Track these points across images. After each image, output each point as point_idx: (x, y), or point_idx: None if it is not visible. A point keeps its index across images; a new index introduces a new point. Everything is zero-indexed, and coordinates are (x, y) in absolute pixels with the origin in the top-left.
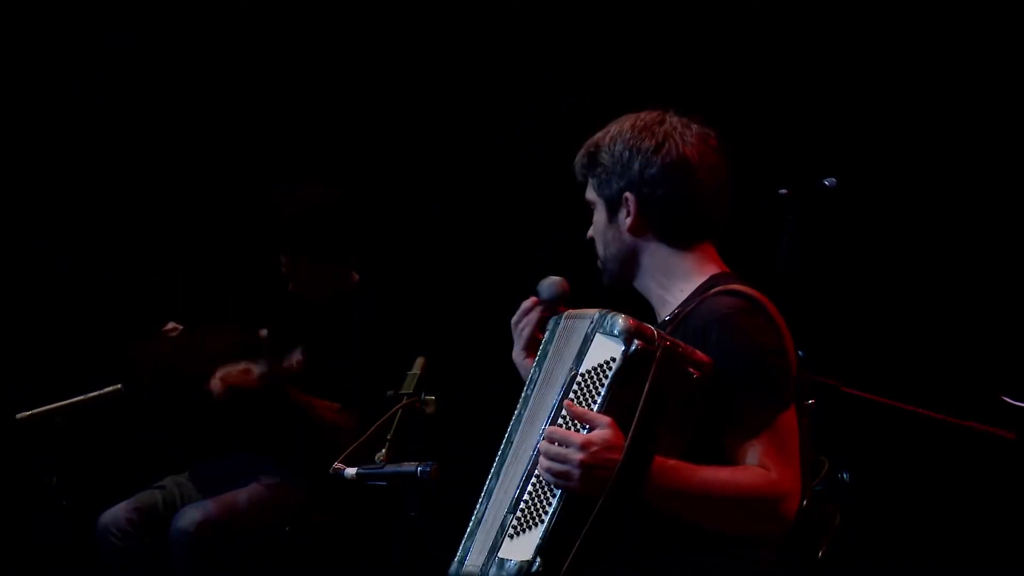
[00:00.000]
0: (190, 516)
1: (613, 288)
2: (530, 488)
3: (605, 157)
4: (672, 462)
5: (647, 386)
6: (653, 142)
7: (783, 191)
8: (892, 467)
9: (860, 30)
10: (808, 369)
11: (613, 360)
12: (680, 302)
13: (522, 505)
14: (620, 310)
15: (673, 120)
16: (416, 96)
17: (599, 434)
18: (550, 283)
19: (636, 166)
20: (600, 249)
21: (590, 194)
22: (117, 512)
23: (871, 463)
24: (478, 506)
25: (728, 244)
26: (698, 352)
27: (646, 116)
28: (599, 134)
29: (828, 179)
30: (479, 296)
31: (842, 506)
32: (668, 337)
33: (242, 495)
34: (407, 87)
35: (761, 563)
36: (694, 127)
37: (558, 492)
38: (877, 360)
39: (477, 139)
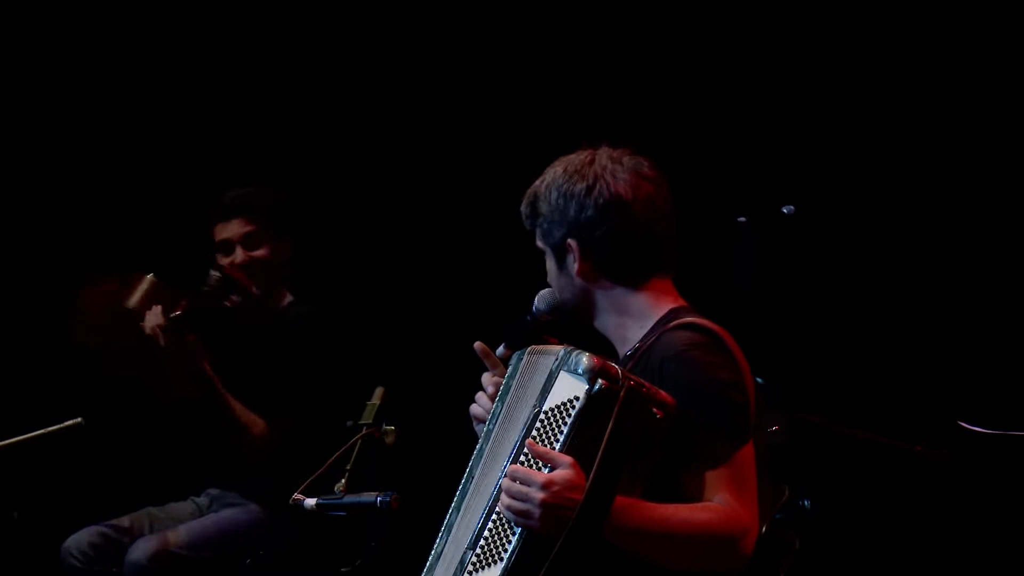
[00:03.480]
0: (143, 547)
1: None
2: (491, 525)
3: (543, 206)
4: (632, 501)
5: (610, 426)
6: (584, 184)
7: (741, 219)
8: (851, 493)
9: (816, 56)
10: (767, 397)
11: (576, 399)
12: (639, 338)
13: (482, 542)
14: (585, 348)
15: (603, 159)
16: (385, 110)
17: (560, 474)
18: (549, 294)
19: (572, 212)
20: (556, 294)
21: (539, 242)
22: (81, 536)
23: (830, 489)
24: (438, 540)
25: (686, 272)
26: (661, 392)
27: (576, 158)
28: (536, 182)
29: (786, 207)
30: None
31: (802, 533)
32: (632, 376)
33: (198, 525)
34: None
35: None
36: (625, 160)
37: (518, 530)
38: (834, 385)
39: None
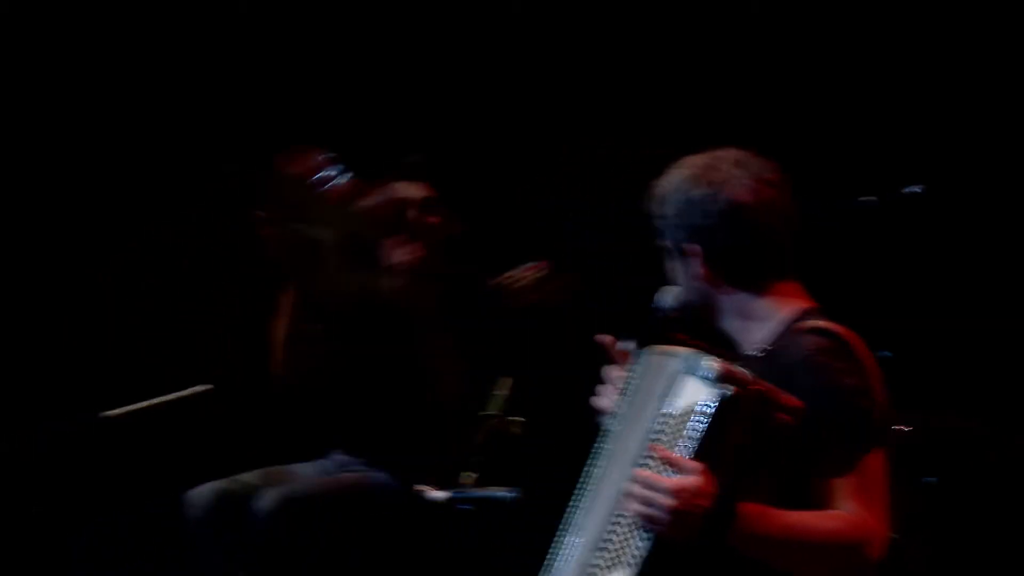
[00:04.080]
0: (271, 496)
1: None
2: (616, 529)
3: (666, 208)
4: (759, 508)
5: (737, 433)
6: (707, 190)
7: (868, 198)
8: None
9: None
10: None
11: (703, 404)
12: (765, 340)
13: (608, 545)
14: (711, 343)
15: (726, 163)
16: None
17: (688, 480)
18: (673, 292)
19: (693, 217)
20: (680, 295)
21: (663, 241)
22: (205, 488)
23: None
24: (562, 538)
25: (807, 253)
26: (789, 397)
27: (699, 161)
28: (661, 182)
29: (914, 187)
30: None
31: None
32: (759, 382)
33: (328, 480)
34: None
35: None
36: (749, 164)
37: (645, 535)
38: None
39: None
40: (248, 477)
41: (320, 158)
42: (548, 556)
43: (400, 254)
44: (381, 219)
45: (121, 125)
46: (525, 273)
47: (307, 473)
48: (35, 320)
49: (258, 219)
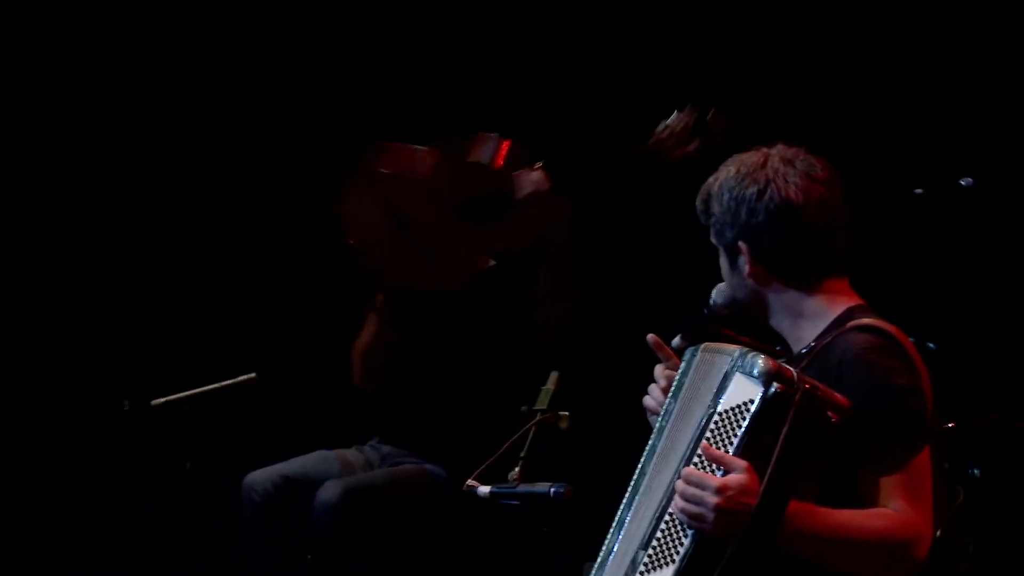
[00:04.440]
0: (333, 487)
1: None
2: (663, 526)
3: (715, 206)
4: (806, 506)
5: (784, 430)
6: (756, 189)
7: (918, 190)
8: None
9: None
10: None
11: (751, 402)
12: (814, 337)
13: (654, 542)
14: (761, 340)
15: (775, 161)
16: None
17: (735, 479)
18: (723, 290)
19: (743, 215)
20: (728, 292)
21: (712, 239)
22: (264, 474)
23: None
24: (609, 535)
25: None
26: (837, 394)
27: (748, 159)
28: (710, 180)
29: (965, 179)
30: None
31: (975, 537)
32: (808, 379)
33: (388, 471)
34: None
35: None
36: (798, 163)
37: (691, 533)
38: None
39: None
40: (306, 462)
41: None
42: (595, 552)
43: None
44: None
45: (121, 125)
46: (673, 125)
47: (356, 461)
48: (35, 320)
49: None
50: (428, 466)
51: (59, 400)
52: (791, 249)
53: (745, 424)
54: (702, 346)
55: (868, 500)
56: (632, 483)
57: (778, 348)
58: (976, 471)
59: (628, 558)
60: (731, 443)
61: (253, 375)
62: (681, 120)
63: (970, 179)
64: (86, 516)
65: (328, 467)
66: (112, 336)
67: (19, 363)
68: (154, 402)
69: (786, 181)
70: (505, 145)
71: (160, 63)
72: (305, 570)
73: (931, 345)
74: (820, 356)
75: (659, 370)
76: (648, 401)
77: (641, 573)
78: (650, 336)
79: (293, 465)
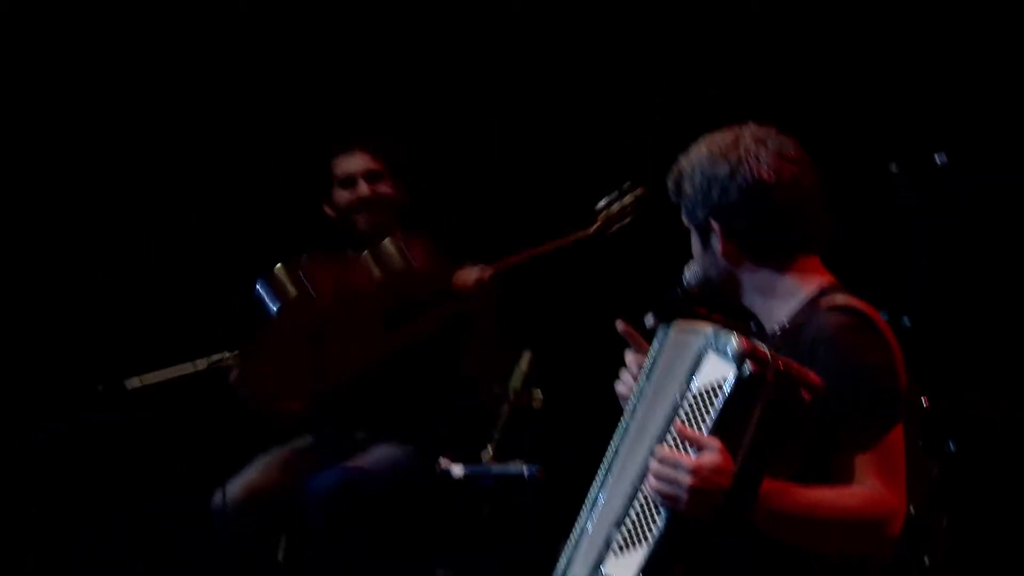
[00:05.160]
0: (328, 478)
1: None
2: (636, 506)
3: (687, 186)
4: (780, 485)
5: (758, 410)
6: (727, 168)
7: (892, 167)
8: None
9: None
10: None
11: (725, 381)
12: (787, 316)
13: (627, 522)
14: (733, 319)
15: (747, 140)
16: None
17: (708, 458)
18: (694, 269)
19: (714, 195)
20: (700, 271)
21: (684, 219)
22: (231, 492)
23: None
24: (581, 514)
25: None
26: (810, 374)
27: (720, 139)
28: (681, 159)
29: (939, 155)
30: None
31: (950, 513)
32: (781, 358)
33: (376, 456)
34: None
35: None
36: (770, 141)
37: (664, 512)
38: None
39: None
40: (269, 467)
41: None
42: (568, 531)
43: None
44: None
45: (121, 125)
46: (612, 208)
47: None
48: (35, 319)
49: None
50: (405, 449)
51: (59, 400)
52: (763, 228)
53: (718, 404)
54: (675, 324)
55: (842, 478)
56: (604, 463)
57: (751, 325)
58: (952, 446)
59: (601, 537)
60: (704, 423)
61: (236, 352)
62: (618, 200)
63: (944, 156)
64: (86, 516)
65: (301, 458)
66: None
67: (19, 363)
68: (129, 383)
69: (758, 160)
70: (416, 244)
71: (160, 63)
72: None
73: (906, 320)
74: (793, 336)
75: (630, 356)
76: (620, 387)
77: (614, 552)
78: (619, 324)
79: (260, 474)
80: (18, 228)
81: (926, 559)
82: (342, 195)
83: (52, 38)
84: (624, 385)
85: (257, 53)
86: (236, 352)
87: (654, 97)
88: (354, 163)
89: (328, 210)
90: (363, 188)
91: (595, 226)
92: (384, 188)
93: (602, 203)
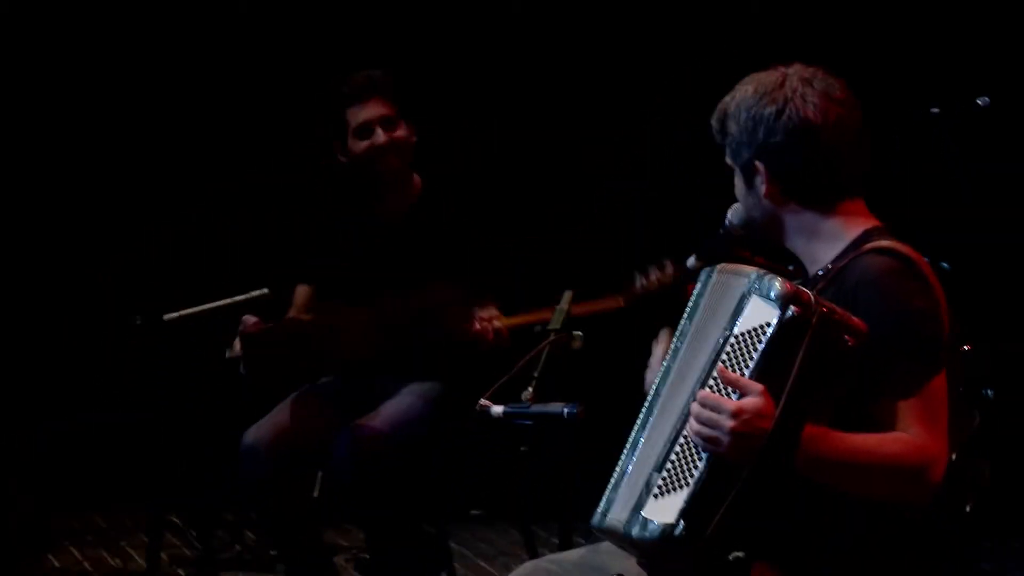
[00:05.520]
0: (352, 435)
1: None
2: (677, 449)
3: (732, 125)
4: (821, 430)
5: (800, 354)
6: (774, 108)
7: (934, 110)
8: None
9: None
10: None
11: (768, 325)
12: (831, 259)
13: (668, 465)
14: (776, 260)
15: (793, 80)
16: None
17: (750, 402)
18: (739, 210)
19: (760, 135)
20: (744, 212)
21: (728, 159)
22: (261, 433)
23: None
24: (623, 457)
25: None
26: (853, 318)
27: (766, 79)
28: (727, 98)
29: (981, 98)
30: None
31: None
32: (825, 303)
33: (391, 409)
34: None
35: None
36: (816, 82)
37: (705, 456)
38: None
39: None
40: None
41: None
42: (609, 474)
43: None
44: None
45: (122, 125)
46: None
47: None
48: (35, 320)
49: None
50: (429, 386)
51: (59, 400)
52: (809, 169)
53: (761, 347)
54: (718, 267)
55: (884, 424)
56: (646, 404)
57: (790, 268)
58: (990, 393)
59: (642, 480)
60: (747, 366)
61: (266, 290)
62: (657, 276)
63: (987, 98)
64: (85, 516)
65: (322, 402)
66: (124, 253)
67: (19, 363)
68: (167, 316)
69: (804, 101)
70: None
71: (160, 64)
72: (317, 520)
73: (945, 265)
74: (836, 279)
75: (657, 349)
76: (648, 376)
77: (655, 495)
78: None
79: (289, 414)
80: (18, 227)
81: (967, 506)
82: (358, 144)
83: (52, 38)
84: (652, 373)
85: (257, 53)
86: (267, 290)
87: (654, 97)
88: (369, 111)
89: (341, 157)
90: (380, 135)
91: (629, 297)
92: (400, 132)
93: (640, 279)
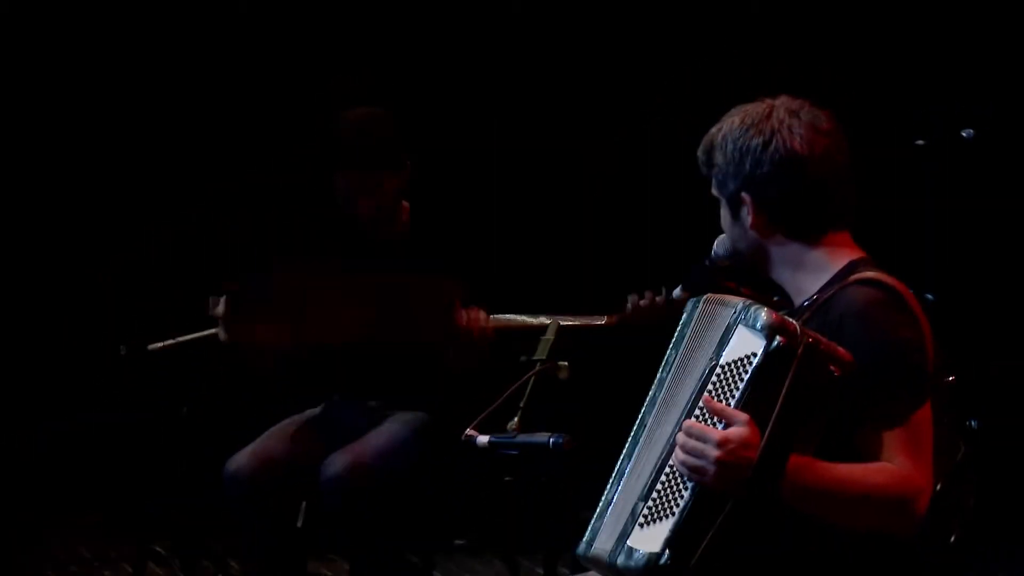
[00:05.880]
0: (340, 462)
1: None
2: (663, 478)
3: (719, 157)
4: (806, 460)
5: (786, 384)
6: (761, 140)
7: (920, 142)
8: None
9: None
10: (944, 349)
11: (754, 355)
12: (815, 290)
13: (654, 495)
14: (762, 291)
15: (780, 112)
16: None
17: (736, 432)
18: (724, 241)
19: (747, 166)
20: (730, 243)
21: (714, 191)
22: (246, 459)
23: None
24: (609, 486)
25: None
26: (839, 349)
27: (753, 110)
28: (713, 130)
29: (966, 130)
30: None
31: (976, 491)
32: (811, 333)
33: (383, 436)
34: None
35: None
36: (803, 114)
37: (691, 486)
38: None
39: None
40: (286, 436)
41: None
42: (595, 503)
43: None
44: None
45: (121, 125)
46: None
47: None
48: (35, 320)
49: None
50: (416, 415)
51: (59, 400)
52: (795, 201)
53: (747, 377)
54: (704, 297)
55: (869, 455)
56: (632, 434)
57: (776, 299)
58: (974, 423)
59: (627, 509)
60: (733, 396)
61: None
62: (648, 300)
63: (971, 130)
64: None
65: (311, 428)
66: (108, 283)
67: (18, 363)
68: (151, 346)
69: (791, 132)
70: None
71: (161, 64)
72: (301, 550)
73: (929, 296)
74: (821, 309)
75: None
76: None
77: (640, 525)
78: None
79: (273, 443)
80: (17, 227)
81: (952, 536)
82: (339, 190)
83: (52, 38)
84: None
85: (257, 53)
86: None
87: (654, 97)
88: (352, 180)
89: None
90: (361, 207)
91: (619, 316)
92: (382, 195)
93: (633, 296)
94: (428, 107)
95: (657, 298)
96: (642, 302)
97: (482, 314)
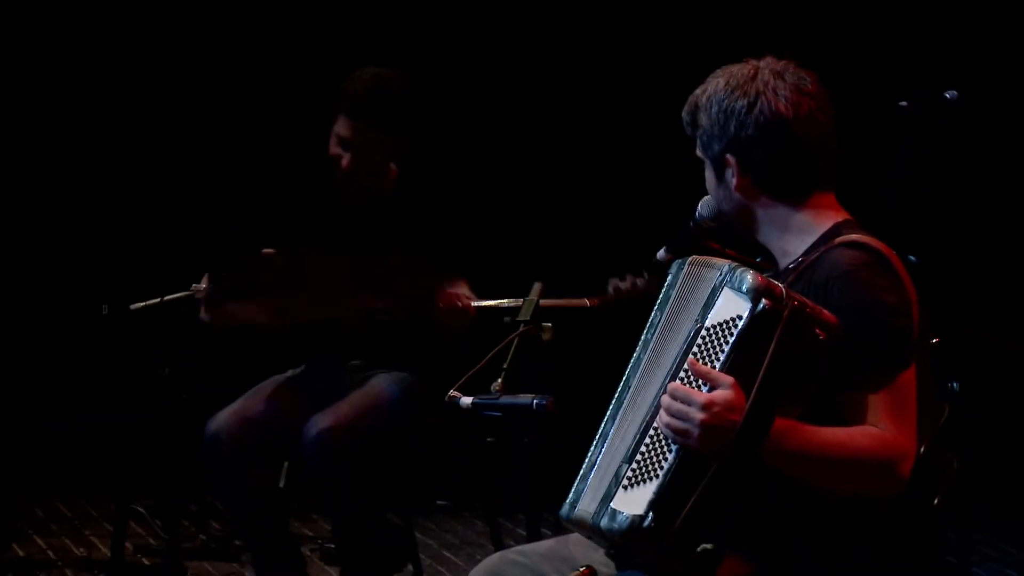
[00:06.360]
0: (322, 422)
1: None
2: (647, 440)
3: (703, 118)
4: (790, 423)
5: (772, 347)
6: (745, 102)
7: (903, 103)
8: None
9: None
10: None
11: (739, 318)
12: (801, 252)
13: (638, 457)
14: (747, 253)
15: (765, 74)
16: None
17: (721, 394)
18: (709, 203)
19: (731, 128)
20: (714, 205)
21: (698, 152)
22: (227, 419)
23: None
24: (592, 448)
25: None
26: (825, 312)
27: (738, 71)
28: (698, 91)
29: (949, 92)
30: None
31: (960, 454)
32: (796, 296)
33: (363, 397)
34: None
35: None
36: (788, 75)
37: (675, 448)
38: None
39: None
40: (266, 396)
41: None
42: (578, 465)
43: None
44: None
45: (122, 125)
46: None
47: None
48: (35, 320)
49: None
50: (399, 375)
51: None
52: (780, 163)
53: (732, 340)
54: (689, 259)
55: (853, 418)
56: (616, 396)
57: (759, 260)
58: (956, 385)
59: (611, 471)
60: (718, 359)
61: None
62: (629, 284)
63: (955, 92)
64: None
65: (292, 389)
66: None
67: (18, 363)
68: (133, 306)
69: (776, 94)
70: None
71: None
72: (283, 510)
73: (912, 258)
74: (807, 272)
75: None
76: None
77: (624, 487)
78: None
79: (255, 403)
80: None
81: (935, 499)
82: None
83: (52, 38)
84: None
85: (257, 52)
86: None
87: (654, 97)
88: (338, 126)
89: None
90: (334, 149)
91: (602, 299)
92: (348, 159)
93: (615, 280)
94: (428, 107)
95: (638, 281)
96: (623, 285)
97: (464, 289)
